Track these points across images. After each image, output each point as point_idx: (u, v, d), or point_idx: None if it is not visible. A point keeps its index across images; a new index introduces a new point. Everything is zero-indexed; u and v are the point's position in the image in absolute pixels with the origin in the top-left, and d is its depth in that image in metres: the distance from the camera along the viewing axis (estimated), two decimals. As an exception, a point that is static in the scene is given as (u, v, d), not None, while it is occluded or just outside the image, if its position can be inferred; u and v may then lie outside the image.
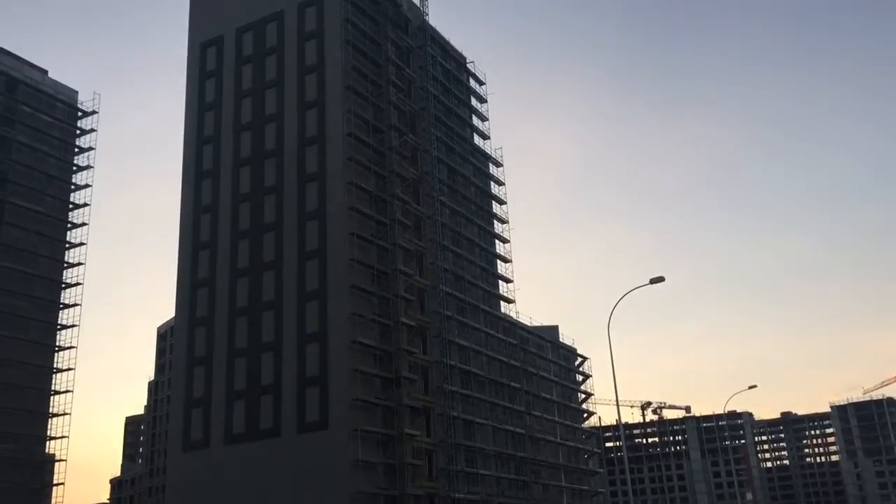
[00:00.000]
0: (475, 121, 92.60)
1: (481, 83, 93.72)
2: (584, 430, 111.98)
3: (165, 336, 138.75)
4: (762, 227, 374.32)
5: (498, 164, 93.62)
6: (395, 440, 66.05)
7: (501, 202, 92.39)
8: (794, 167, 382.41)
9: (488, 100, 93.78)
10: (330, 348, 65.25)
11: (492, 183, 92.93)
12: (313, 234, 69.20)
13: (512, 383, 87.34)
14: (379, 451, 64.68)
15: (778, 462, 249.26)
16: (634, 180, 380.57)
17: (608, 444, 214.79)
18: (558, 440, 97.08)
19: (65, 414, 77.34)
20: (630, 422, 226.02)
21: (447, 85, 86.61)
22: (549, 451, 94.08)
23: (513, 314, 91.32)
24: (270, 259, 70.81)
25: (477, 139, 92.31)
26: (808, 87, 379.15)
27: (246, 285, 71.43)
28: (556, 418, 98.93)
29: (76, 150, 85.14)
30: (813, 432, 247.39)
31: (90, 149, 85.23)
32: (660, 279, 43.92)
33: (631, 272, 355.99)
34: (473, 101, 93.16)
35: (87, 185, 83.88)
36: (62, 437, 76.77)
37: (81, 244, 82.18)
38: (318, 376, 65.10)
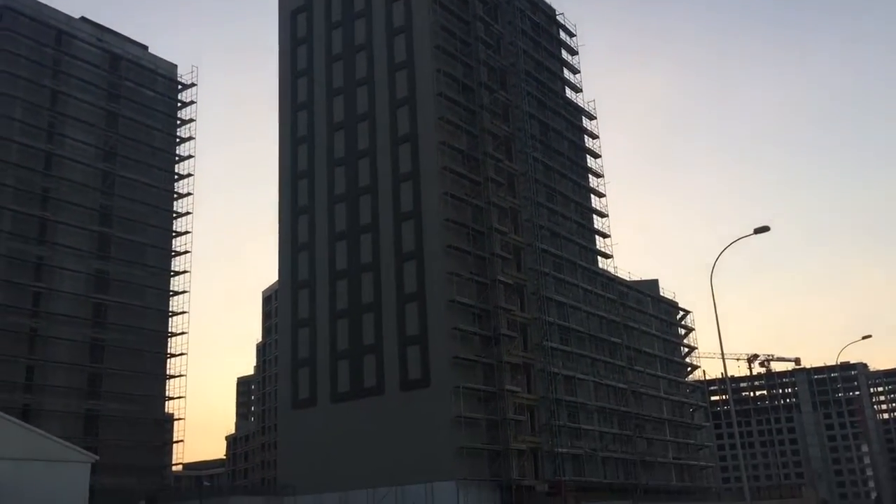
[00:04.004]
0: (566, 74, 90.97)
1: (571, 35, 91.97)
2: (688, 384, 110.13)
3: (270, 299, 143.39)
4: (876, 162, 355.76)
5: (591, 117, 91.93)
6: (496, 397, 66.63)
7: (596, 156, 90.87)
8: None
9: (579, 51, 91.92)
10: (429, 308, 66.04)
11: (585, 137, 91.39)
12: (408, 196, 69.77)
13: (612, 338, 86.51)
14: (481, 407, 65.40)
15: (895, 413, 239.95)
16: (736, 123, 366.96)
17: (714, 398, 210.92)
18: (662, 394, 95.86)
19: (181, 375, 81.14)
20: (736, 375, 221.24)
21: (537, 39, 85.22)
22: (653, 406, 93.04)
23: (611, 269, 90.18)
24: (367, 221, 71.88)
25: (569, 92, 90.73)
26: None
27: (344, 248, 72.86)
28: (659, 373, 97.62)
29: (178, 122, 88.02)
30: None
31: (191, 120, 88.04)
32: (764, 229, 42.11)
33: (734, 220, 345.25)
34: (564, 54, 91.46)
35: (189, 156, 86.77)
36: (179, 397, 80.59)
37: (188, 213, 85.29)
38: (419, 335, 66.10)
